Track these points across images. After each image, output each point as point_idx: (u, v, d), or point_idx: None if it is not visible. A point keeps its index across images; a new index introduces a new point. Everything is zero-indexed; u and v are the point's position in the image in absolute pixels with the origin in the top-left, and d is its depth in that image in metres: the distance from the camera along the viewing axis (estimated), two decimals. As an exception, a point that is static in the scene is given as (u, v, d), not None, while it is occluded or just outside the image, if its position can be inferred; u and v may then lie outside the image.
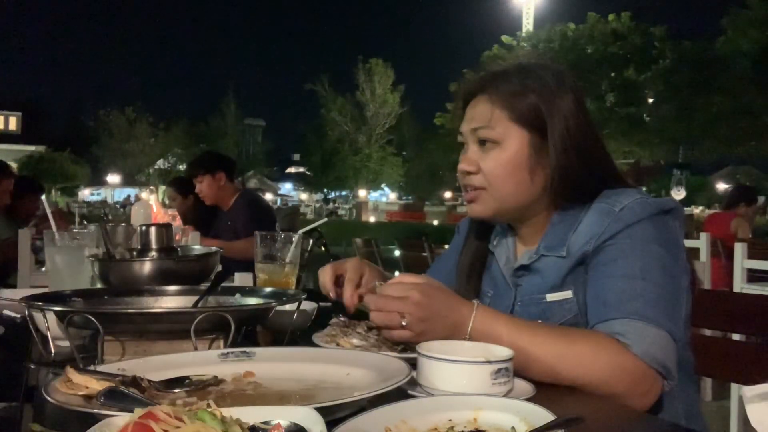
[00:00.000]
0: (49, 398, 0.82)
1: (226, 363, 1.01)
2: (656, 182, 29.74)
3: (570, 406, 1.02)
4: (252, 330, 1.42)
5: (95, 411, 0.78)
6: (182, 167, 38.24)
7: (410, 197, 49.20)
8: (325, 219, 13.41)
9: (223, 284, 1.38)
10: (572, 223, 1.30)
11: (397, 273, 1.44)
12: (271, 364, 1.02)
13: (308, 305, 1.46)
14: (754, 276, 4.31)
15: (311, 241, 4.75)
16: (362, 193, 47.39)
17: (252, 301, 1.34)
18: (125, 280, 1.53)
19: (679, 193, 23.30)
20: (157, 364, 0.99)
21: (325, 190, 51.25)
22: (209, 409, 0.64)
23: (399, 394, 0.88)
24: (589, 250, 1.25)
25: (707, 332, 2.01)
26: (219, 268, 1.74)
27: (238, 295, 1.38)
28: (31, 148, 43.54)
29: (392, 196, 52.41)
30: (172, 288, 1.40)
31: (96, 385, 0.85)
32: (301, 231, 1.69)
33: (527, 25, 39.65)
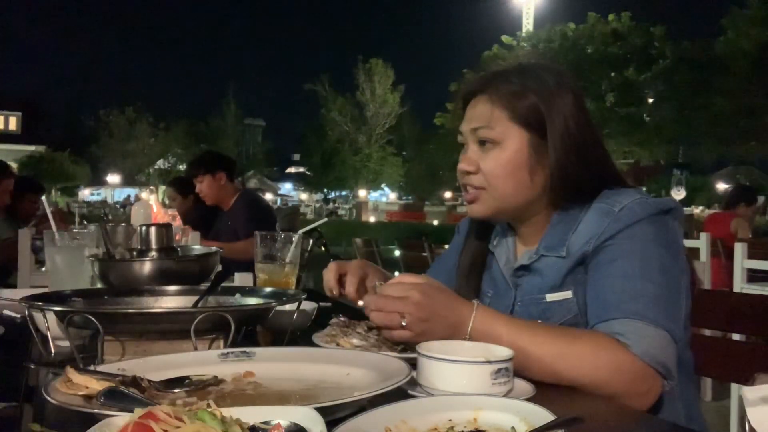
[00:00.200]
0: (49, 398, 0.82)
1: (226, 363, 1.01)
2: (656, 182, 29.69)
3: (570, 406, 1.02)
4: (252, 330, 1.42)
5: (95, 411, 0.78)
6: (182, 167, 38.19)
7: (410, 197, 49.16)
8: (325, 219, 13.41)
9: (223, 284, 1.38)
10: (572, 223, 1.30)
11: (397, 273, 1.44)
12: (271, 364, 1.02)
13: (308, 305, 1.46)
14: (754, 276, 4.30)
15: (311, 241, 4.73)
16: (362, 193, 47.36)
17: (252, 301, 1.34)
18: (125, 280, 1.53)
19: (679, 193, 23.26)
20: (157, 364, 0.99)
21: (325, 190, 51.21)
22: (209, 409, 0.64)
23: (399, 394, 0.88)
24: (589, 250, 1.25)
25: (707, 332, 2.01)
26: (219, 268, 1.74)
27: (238, 295, 1.38)
28: (31, 148, 43.52)
29: (392, 196, 52.35)
30: (172, 288, 1.40)
31: (96, 385, 0.85)
32: (301, 231, 1.69)
33: (527, 25, 39.66)
